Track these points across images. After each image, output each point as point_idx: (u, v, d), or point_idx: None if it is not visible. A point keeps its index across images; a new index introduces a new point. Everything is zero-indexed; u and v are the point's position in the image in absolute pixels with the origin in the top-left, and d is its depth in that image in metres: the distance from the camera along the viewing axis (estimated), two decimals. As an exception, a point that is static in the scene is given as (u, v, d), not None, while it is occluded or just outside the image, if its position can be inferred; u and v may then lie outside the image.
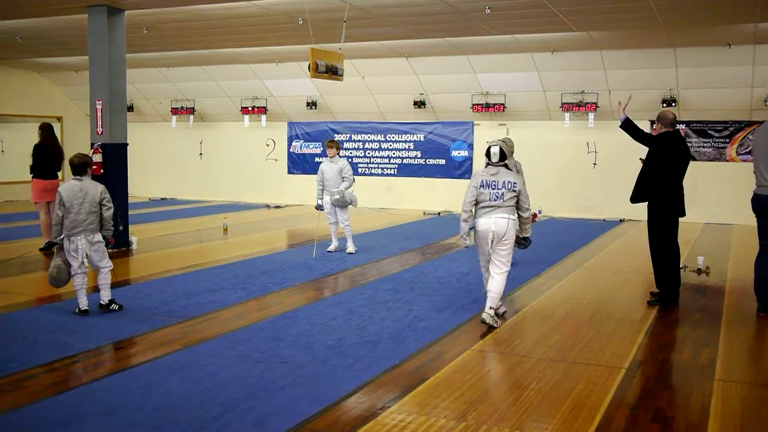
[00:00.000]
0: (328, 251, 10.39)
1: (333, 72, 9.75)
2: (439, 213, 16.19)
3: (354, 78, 15.26)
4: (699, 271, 9.07)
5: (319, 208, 10.42)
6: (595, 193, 15.33)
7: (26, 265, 9.34)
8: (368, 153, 17.58)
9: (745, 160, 14.00)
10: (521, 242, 7.57)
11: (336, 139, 15.04)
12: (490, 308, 6.37)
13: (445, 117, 16.71)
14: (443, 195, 16.41)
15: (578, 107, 14.86)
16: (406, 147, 17.18)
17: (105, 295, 6.83)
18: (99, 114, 10.55)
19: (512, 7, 10.19)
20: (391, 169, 17.38)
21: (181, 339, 5.96)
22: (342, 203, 10.16)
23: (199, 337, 6.03)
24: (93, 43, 10.58)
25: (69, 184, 6.74)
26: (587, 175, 15.43)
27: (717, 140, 14.56)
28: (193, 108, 18.82)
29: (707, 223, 14.26)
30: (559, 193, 15.53)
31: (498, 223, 6.33)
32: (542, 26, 11.61)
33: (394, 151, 17.32)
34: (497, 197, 6.34)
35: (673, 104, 13.89)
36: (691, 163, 7.56)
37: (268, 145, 18.72)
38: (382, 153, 17.44)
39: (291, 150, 18.47)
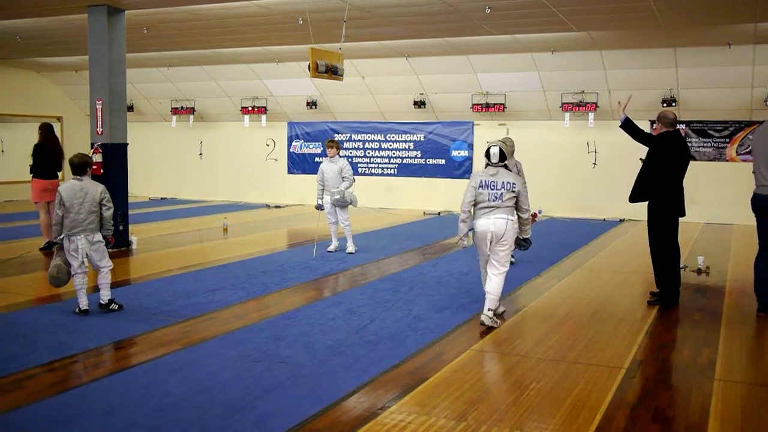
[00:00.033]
0: (328, 251, 10.39)
1: (333, 72, 9.74)
2: (439, 213, 16.19)
3: (354, 78, 15.27)
4: (699, 271, 9.07)
5: (320, 208, 10.42)
6: (595, 193, 15.33)
7: (26, 265, 9.35)
8: (368, 153, 17.58)
9: (745, 160, 14.00)
10: (521, 243, 7.52)
11: (336, 139, 15.03)
12: (489, 310, 6.36)
13: (445, 117, 16.71)
14: (443, 195, 16.41)
15: (578, 107, 14.86)
16: (406, 147, 17.18)
17: (105, 295, 6.83)
18: (99, 114, 10.55)
19: (512, 7, 10.19)
20: (391, 169, 17.38)
21: (181, 339, 5.96)
22: (342, 203, 10.16)
23: (199, 337, 6.03)
24: (93, 43, 10.58)
25: (69, 184, 6.74)
26: (587, 175, 15.43)
27: (717, 140, 14.56)
28: (193, 108, 18.82)
29: (707, 223, 14.26)
30: (559, 193, 15.53)
31: (497, 223, 6.31)
32: (542, 26, 11.61)
33: (394, 151, 17.32)
34: (496, 198, 6.32)
35: (673, 104, 13.90)
36: (691, 163, 7.56)
37: (268, 145, 18.72)
38: (382, 153, 17.44)
39: (291, 150, 18.47)
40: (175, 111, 18.96)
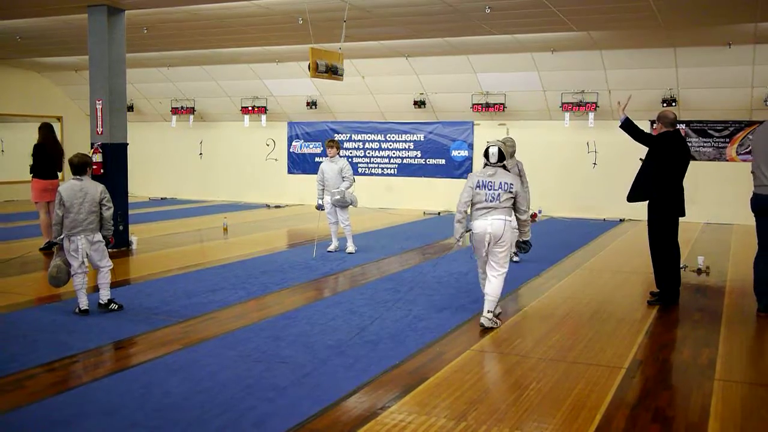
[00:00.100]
0: (328, 251, 10.39)
1: (333, 72, 9.74)
2: (439, 213, 16.19)
3: (354, 78, 15.27)
4: (699, 271, 9.07)
5: (320, 207, 10.42)
6: (595, 192, 15.33)
7: (26, 265, 9.35)
8: (368, 153, 17.58)
9: (745, 160, 14.00)
10: (522, 246, 7.46)
11: (336, 138, 15.03)
12: (489, 312, 6.35)
13: (445, 117, 16.71)
14: (443, 195, 16.40)
15: (578, 107, 14.86)
16: (406, 147, 17.18)
17: (104, 295, 6.83)
18: (99, 114, 10.55)
19: (512, 7, 10.19)
20: (391, 169, 17.38)
21: (181, 339, 5.96)
22: (342, 203, 10.16)
23: (199, 337, 6.03)
24: (93, 42, 10.58)
25: (69, 184, 6.74)
26: (587, 175, 15.43)
27: (717, 140, 14.56)
28: (193, 108, 18.82)
29: (707, 223, 14.26)
30: (559, 192, 15.53)
31: (494, 224, 6.25)
32: (542, 26, 11.61)
33: (394, 151, 17.32)
34: (493, 198, 6.25)
35: (673, 104, 13.90)
36: (691, 163, 7.55)
37: (268, 145, 18.72)
38: (382, 153, 17.44)
39: (291, 150, 18.47)
40: (175, 111, 18.96)
